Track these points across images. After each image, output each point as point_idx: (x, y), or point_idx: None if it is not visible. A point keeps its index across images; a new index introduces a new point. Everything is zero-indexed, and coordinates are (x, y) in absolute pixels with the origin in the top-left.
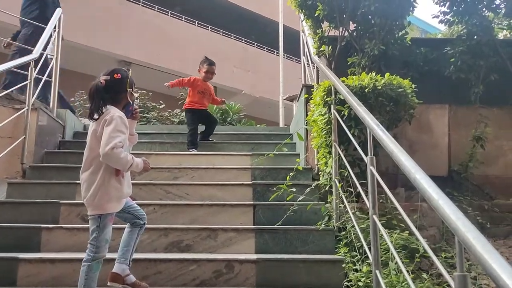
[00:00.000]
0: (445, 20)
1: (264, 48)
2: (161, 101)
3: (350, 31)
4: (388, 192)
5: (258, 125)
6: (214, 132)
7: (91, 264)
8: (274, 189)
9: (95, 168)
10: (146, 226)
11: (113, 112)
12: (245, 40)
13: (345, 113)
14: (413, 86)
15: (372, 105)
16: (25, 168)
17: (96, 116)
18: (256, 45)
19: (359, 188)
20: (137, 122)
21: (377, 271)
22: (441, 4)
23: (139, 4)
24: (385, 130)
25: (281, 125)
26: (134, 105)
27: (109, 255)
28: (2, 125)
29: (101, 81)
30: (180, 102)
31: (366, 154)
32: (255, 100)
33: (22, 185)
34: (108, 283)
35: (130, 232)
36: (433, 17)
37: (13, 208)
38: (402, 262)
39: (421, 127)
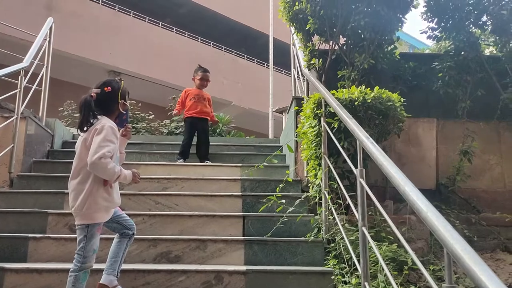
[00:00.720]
0: (433, 35)
1: (254, 60)
2: (150, 112)
3: (340, 45)
4: (377, 204)
5: (248, 137)
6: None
7: (78, 274)
8: (264, 200)
9: (83, 177)
10: (135, 236)
11: (104, 121)
12: (235, 52)
13: (335, 126)
14: (402, 99)
15: (361, 118)
16: (13, 178)
17: (85, 128)
18: (246, 57)
19: (349, 200)
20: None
21: (366, 283)
22: (429, 20)
23: (130, 15)
24: (374, 143)
25: (270, 137)
26: (128, 115)
27: (97, 266)
28: None
29: (92, 94)
30: (169, 113)
31: (356, 167)
32: (244, 111)
33: (9, 194)
34: None
35: (118, 243)
36: (421, 33)
37: (0, 217)
38: (391, 274)
39: (410, 140)
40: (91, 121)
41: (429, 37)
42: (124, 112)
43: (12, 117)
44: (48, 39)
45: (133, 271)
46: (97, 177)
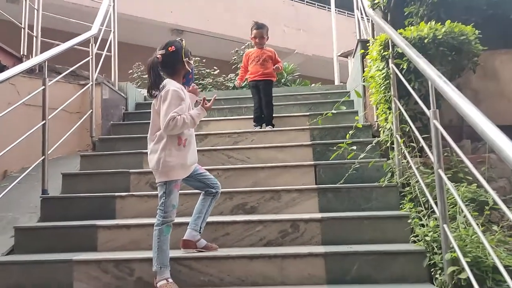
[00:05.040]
0: None
1: (315, 4)
2: (215, 67)
3: None
4: (453, 145)
5: (313, 85)
6: None
7: (161, 228)
8: (334, 148)
9: (158, 139)
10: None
11: (169, 86)
12: None
13: (404, 67)
14: (477, 32)
15: (432, 56)
16: (95, 141)
17: (155, 93)
18: (306, 2)
19: (422, 143)
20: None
21: (444, 225)
22: None
23: None
24: (448, 82)
25: (336, 83)
26: (193, 73)
27: (179, 220)
28: (70, 101)
29: (158, 56)
30: (233, 67)
31: (428, 108)
32: (308, 59)
33: (93, 157)
34: (182, 250)
35: (202, 200)
36: None
37: (88, 179)
38: (471, 215)
39: (486, 75)
40: (159, 85)
41: None
42: (190, 71)
43: (88, 84)
44: (112, 4)
45: (212, 223)
46: (170, 138)
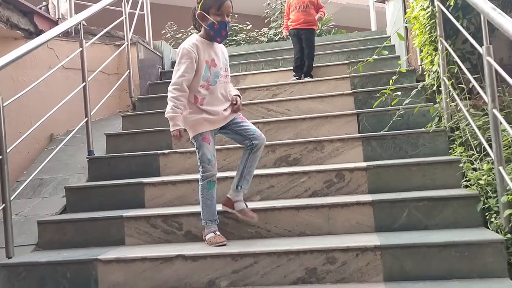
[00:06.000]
0: None
1: None
2: (247, 22)
3: None
4: (510, 80)
5: (350, 33)
6: None
7: (203, 184)
8: (378, 95)
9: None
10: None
11: (182, 44)
12: None
13: (451, 3)
14: None
15: None
16: (134, 101)
17: None
18: None
19: (474, 83)
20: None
21: (500, 167)
22: None
23: None
24: (503, 13)
25: (373, 29)
26: (223, 27)
27: (222, 174)
28: (107, 62)
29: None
30: (266, 21)
31: (480, 45)
32: (342, 7)
33: (134, 116)
34: (221, 207)
35: (242, 156)
36: None
37: (130, 138)
38: None
39: None
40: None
41: None
42: (215, 22)
43: (123, 44)
44: None
45: (256, 176)
46: (189, 95)
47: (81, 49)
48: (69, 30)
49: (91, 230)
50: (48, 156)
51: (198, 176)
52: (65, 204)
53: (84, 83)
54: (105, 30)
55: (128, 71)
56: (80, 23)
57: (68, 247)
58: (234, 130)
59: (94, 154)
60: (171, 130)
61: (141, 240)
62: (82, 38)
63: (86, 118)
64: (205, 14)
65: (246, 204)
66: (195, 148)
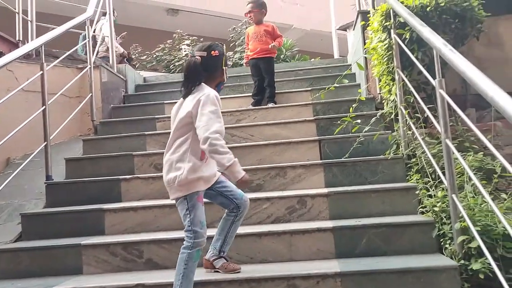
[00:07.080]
0: None
1: None
2: None
3: None
4: (460, 113)
5: (313, 59)
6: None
7: (191, 252)
8: (338, 122)
9: (176, 148)
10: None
11: (208, 91)
12: None
13: (407, 36)
14: None
15: (435, 24)
16: (96, 125)
17: (187, 94)
18: None
19: (428, 113)
20: None
21: (453, 195)
22: None
23: None
24: (453, 49)
25: (336, 56)
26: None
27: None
28: (69, 85)
29: (197, 57)
30: (231, 45)
31: (433, 77)
32: (306, 33)
33: (95, 140)
34: (205, 271)
35: (223, 220)
36: None
37: (91, 163)
38: (480, 184)
39: (491, 42)
40: (192, 88)
41: None
42: (225, 80)
43: (86, 67)
44: None
45: None
46: (192, 149)
47: (41, 72)
48: (29, 52)
49: (47, 259)
50: (4, 181)
51: (158, 202)
52: (21, 232)
53: (44, 107)
54: (67, 54)
55: (91, 94)
56: (41, 46)
57: (23, 277)
58: (219, 191)
59: (53, 179)
60: (241, 176)
61: (100, 269)
62: (43, 61)
63: (45, 142)
64: (226, 70)
65: (223, 257)
66: (182, 211)
